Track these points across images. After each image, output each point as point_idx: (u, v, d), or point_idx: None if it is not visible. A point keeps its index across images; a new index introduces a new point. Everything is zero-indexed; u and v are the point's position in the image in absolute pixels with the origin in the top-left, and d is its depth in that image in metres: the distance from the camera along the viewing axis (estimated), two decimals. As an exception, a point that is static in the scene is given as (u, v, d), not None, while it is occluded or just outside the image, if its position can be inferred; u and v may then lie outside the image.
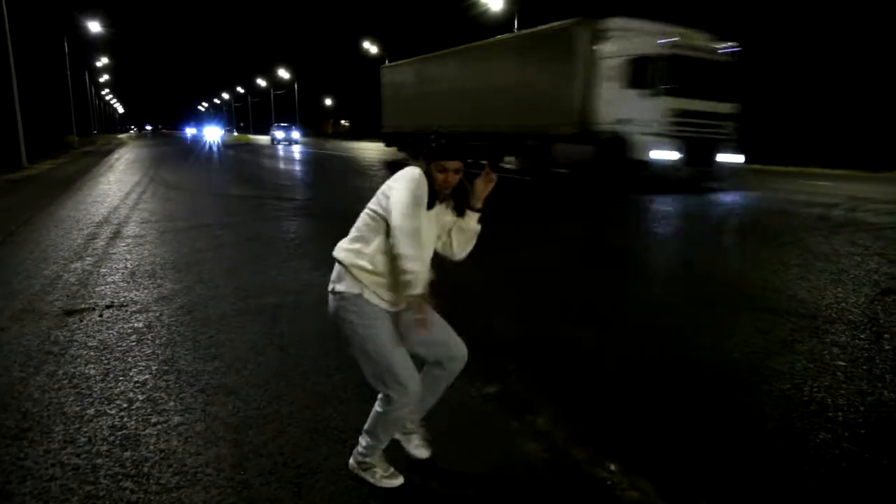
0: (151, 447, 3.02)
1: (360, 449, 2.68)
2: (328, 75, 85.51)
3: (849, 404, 3.53)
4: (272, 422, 3.25)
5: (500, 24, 42.72)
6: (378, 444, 2.64)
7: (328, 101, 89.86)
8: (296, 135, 55.82)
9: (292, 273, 6.59)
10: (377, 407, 2.59)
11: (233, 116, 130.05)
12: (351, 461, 2.73)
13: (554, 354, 4.35)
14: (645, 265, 7.83)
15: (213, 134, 78.87)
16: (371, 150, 38.51)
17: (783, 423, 3.33)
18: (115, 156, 34.04)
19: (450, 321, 2.72)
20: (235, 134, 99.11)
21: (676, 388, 3.79)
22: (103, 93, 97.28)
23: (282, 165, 26.48)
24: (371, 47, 61.01)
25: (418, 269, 2.28)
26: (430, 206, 2.47)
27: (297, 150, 40.38)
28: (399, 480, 2.68)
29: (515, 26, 40.31)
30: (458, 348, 2.70)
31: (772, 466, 2.91)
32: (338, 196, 14.92)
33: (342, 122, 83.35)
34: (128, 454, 2.96)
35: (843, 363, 4.15)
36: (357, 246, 2.49)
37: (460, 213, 2.62)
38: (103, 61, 69.07)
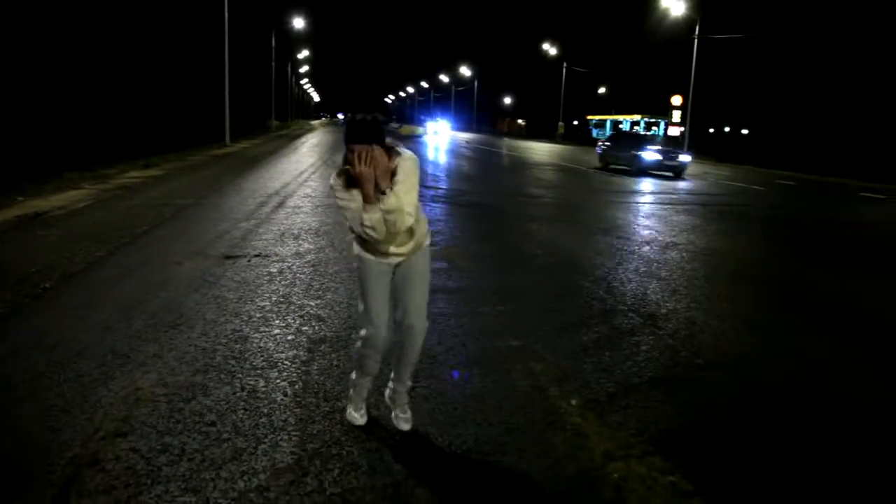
0: (254, 344, 4.24)
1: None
2: (507, 74, 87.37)
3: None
4: (341, 341, 4.35)
5: (681, 28, 41.68)
6: (356, 377, 3.16)
7: (507, 100, 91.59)
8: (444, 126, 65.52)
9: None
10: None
11: (414, 110, 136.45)
12: None
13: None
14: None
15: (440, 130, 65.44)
16: (540, 152, 39.26)
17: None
18: (303, 139, 37.95)
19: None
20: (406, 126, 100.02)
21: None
22: (302, 82, 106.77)
23: (443, 159, 28.18)
24: (550, 49, 61.99)
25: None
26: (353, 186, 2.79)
27: (459, 143, 41.89)
28: (358, 422, 3.16)
29: (696, 31, 39.17)
30: (413, 313, 3.04)
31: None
32: (478, 187, 16.02)
33: (518, 120, 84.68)
34: (238, 346, 4.20)
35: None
36: None
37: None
38: (304, 53, 76.04)
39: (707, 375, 4.09)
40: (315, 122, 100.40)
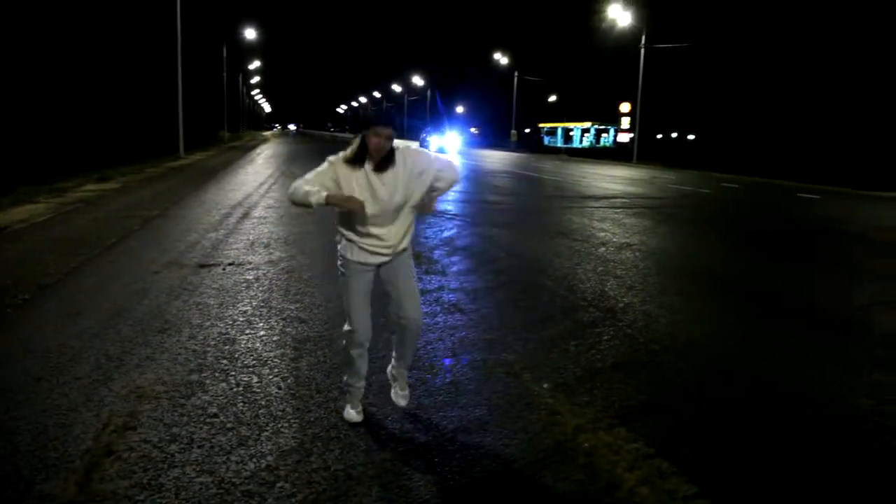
0: (243, 345, 4.48)
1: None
2: (460, 83, 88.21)
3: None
4: (324, 339, 4.61)
5: (628, 38, 42.99)
6: (348, 378, 3.35)
7: (459, 109, 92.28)
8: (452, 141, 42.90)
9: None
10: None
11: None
12: None
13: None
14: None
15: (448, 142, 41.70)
16: (494, 160, 39.83)
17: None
18: (257, 151, 37.74)
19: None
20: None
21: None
22: (253, 93, 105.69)
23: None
24: (502, 58, 62.95)
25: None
26: (359, 162, 3.05)
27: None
28: (355, 419, 3.34)
29: (642, 41, 40.49)
30: (409, 307, 3.27)
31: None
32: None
33: (472, 129, 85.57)
34: (227, 347, 4.43)
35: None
36: None
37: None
38: (255, 64, 75.43)
39: (662, 359, 4.50)
40: (267, 133, 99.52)
